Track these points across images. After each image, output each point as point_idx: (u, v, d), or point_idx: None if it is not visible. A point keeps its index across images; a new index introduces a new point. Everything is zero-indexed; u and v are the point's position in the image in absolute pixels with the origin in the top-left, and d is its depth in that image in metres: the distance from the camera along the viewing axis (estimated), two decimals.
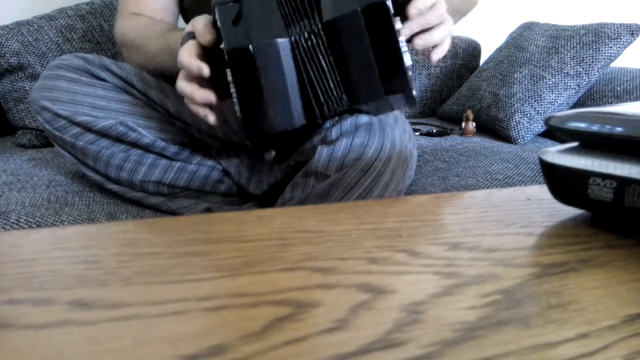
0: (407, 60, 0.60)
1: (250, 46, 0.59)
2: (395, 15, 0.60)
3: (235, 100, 0.62)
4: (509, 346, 0.18)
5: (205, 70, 0.61)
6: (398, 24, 0.60)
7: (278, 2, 0.64)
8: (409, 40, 0.63)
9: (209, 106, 0.65)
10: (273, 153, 0.69)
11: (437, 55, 0.66)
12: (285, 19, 0.63)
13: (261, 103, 0.61)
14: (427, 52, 0.66)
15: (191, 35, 0.65)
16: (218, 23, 0.61)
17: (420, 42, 0.63)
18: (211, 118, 0.65)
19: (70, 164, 0.88)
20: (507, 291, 0.23)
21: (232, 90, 0.62)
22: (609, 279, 0.24)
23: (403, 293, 0.22)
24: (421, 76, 1.56)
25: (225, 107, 0.69)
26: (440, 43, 0.65)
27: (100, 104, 0.76)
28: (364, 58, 0.60)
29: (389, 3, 0.58)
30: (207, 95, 0.63)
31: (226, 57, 0.60)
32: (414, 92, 0.62)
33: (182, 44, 0.65)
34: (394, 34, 0.59)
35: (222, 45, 0.61)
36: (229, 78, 0.61)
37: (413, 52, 0.65)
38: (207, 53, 0.64)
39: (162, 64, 0.78)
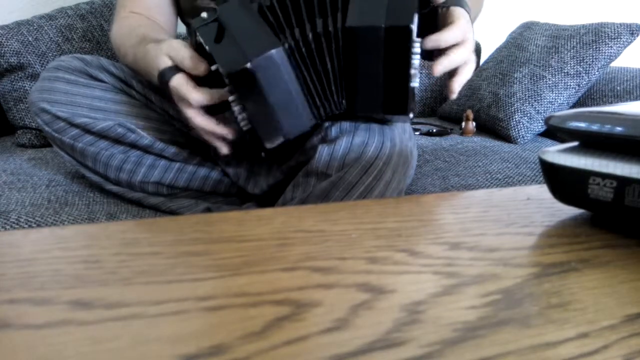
0: (415, 82, 0.60)
1: (249, 64, 0.58)
2: (419, 35, 0.60)
3: (240, 116, 0.62)
4: (509, 346, 0.18)
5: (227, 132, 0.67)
6: (417, 47, 0.59)
7: (262, 10, 0.63)
8: (428, 58, 0.63)
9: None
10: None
11: (453, 94, 0.66)
12: (273, 26, 0.62)
13: (271, 115, 0.61)
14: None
15: (174, 69, 0.64)
16: (206, 47, 0.60)
17: (455, 85, 0.64)
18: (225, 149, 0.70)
19: (70, 165, 0.88)
20: (507, 291, 0.23)
21: (235, 108, 0.61)
22: (609, 278, 0.24)
23: (403, 293, 0.22)
24: (421, 76, 1.56)
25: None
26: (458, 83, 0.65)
27: (99, 105, 0.76)
28: (374, 73, 0.60)
29: (414, 27, 0.57)
30: (225, 132, 0.67)
31: (227, 81, 0.60)
32: (411, 115, 0.63)
33: (168, 78, 0.64)
34: (408, 59, 0.58)
35: (213, 67, 0.60)
36: (230, 98, 0.61)
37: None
38: (197, 78, 0.64)
39: (139, 72, 0.78)
